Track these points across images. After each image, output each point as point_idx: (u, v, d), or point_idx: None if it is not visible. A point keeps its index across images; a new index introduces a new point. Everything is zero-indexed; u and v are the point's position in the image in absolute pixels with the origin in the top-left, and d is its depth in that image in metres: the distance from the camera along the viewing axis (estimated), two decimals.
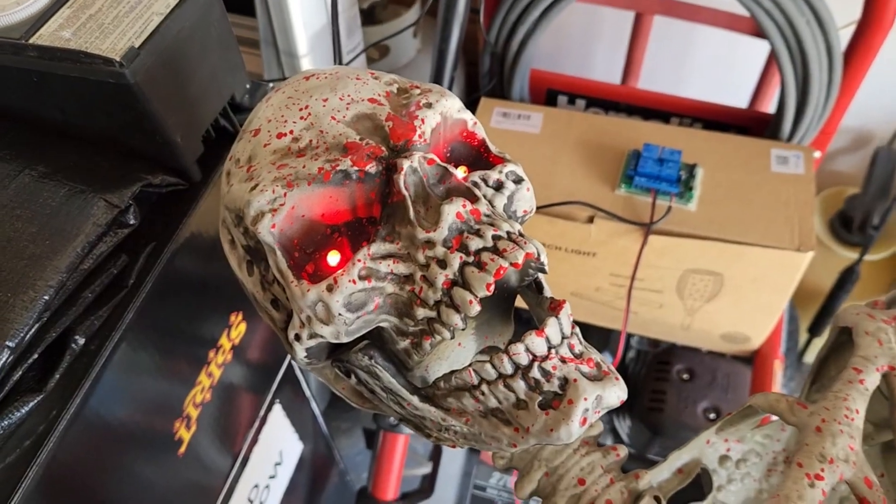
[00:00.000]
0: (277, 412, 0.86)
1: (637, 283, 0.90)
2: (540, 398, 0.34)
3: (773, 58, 0.91)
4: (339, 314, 0.35)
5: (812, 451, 0.36)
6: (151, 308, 0.55)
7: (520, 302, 0.43)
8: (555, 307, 0.37)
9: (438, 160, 0.37)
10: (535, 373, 0.35)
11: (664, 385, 1.03)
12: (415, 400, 0.38)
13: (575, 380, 0.34)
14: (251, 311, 0.71)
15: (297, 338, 0.37)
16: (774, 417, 0.43)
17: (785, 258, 0.83)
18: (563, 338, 0.36)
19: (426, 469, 1.25)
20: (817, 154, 0.91)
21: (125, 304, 0.53)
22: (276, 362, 0.83)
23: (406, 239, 0.36)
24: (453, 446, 0.41)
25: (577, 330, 0.37)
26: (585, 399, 0.34)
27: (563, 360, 0.35)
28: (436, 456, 1.01)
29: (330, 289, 0.35)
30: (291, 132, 0.38)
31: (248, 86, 0.63)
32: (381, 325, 0.37)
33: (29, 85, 0.53)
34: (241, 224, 0.37)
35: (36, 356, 0.48)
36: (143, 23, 0.52)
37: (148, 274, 0.55)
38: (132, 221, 0.54)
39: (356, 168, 0.35)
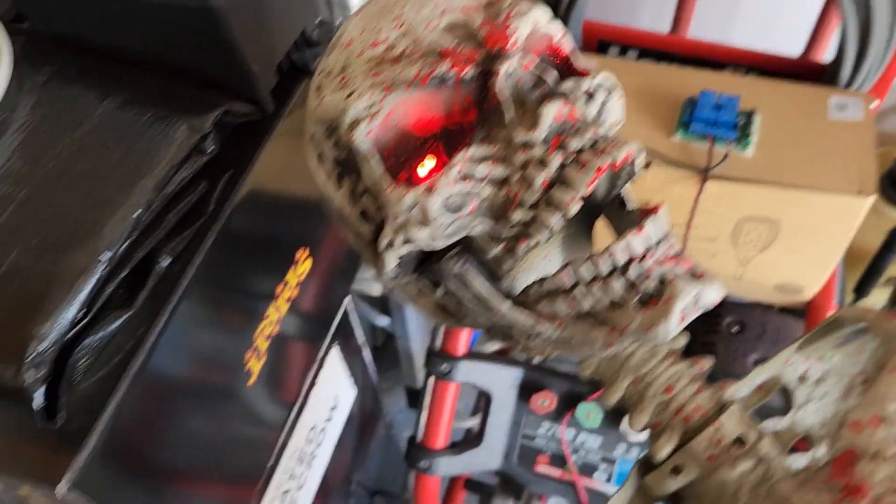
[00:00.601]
0: (335, 355, 0.87)
1: (691, 231, 0.90)
2: (637, 297, 0.35)
3: (831, 3, 0.90)
4: (437, 217, 0.35)
5: None
6: (229, 235, 0.56)
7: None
8: (651, 210, 0.37)
9: (534, 65, 0.38)
10: (633, 272, 0.35)
11: (714, 337, 1.02)
12: (505, 306, 0.38)
13: (673, 279, 0.35)
14: (316, 248, 0.72)
15: (390, 245, 0.37)
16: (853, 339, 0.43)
17: (844, 203, 0.82)
18: (662, 238, 0.36)
19: (469, 423, 1.26)
20: (875, 102, 0.90)
21: (205, 228, 0.54)
22: (334, 305, 0.85)
23: (503, 142, 0.36)
24: (542, 356, 0.41)
25: (674, 231, 0.37)
26: (684, 297, 0.34)
27: (661, 261, 0.35)
28: (485, 406, 1.01)
29: (428, 191, 0.35)
30: (386, 40, 0.38)
31: (318, 20, 0.63)
32: (474, 231, 0.37)
33: (110, 15, 0.54)
34: (332, 135, 0.38)
35: (125, 273, 0.49)
36: None
37: (226, 201, 0.56)
38: (212, 148, 0.55)
39: (453, 72, 0.36)
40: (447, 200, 0.36)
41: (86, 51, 0.57)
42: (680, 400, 0.40)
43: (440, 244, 0.37)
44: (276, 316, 0.67)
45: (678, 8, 1.15)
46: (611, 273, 0.35)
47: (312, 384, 0.83)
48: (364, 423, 1.09)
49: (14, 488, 0.50)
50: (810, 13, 1.08)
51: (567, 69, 0.42)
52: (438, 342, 1.01)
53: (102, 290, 0.47)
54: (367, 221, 0.39)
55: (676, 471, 0.39)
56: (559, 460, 1.01)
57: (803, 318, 1.02)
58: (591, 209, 0.42)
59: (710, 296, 0.35)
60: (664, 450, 0.39)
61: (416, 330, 1.41)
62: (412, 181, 0.37)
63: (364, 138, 0.36)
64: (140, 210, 0.48)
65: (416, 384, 1.54)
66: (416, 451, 1.01)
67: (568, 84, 0.40)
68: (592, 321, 0.36)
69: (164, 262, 0.51)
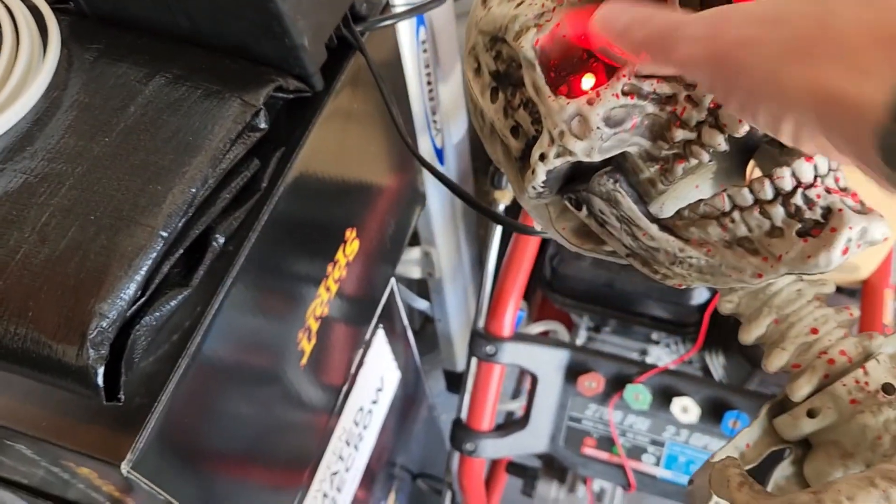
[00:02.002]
0: (381, 337, 0.86)
1: None
2: (799, 226, 0.34)
3: None
4: (598, 128, 0.35)
5: None
6: (281, 213, 0.55)
7: None
8: None
9: None
10: (798, 199, 0.34)
11: None
12: (654, 228, 0.38)
13: (840, 209, 0.33)
14: (363, 228, 0.71)
15: (543, 157, 0.37)
16: None
17: None
18: (830, 169, 0.35)
19: (512, 406, 1.26)
20: None
21: (259, 206, 0.54)
22: (380, 286, 0.84)
23: None
24: (680, 285, 0.40)
25: (842, 167, 0.36)
26: (850, 228, 0.32)
27: (828, 191, 0.34)
28: (531, 388, 1.00)
29: (591, 101, 0.35)
30: None
31: None
32: (630, 149, 0.37)
33: None
34: (494, 47, 0.38)
35: (182, 252, 0.49)
36: None
37: (279, 178, 0.55)
38: (263, 125, 0.54)
39: None
40: (610, 112, 0.35)
41: (132, 29, 0.57)
42: (825, 342, 0.39)
43: (596, 158, 0.37)
44: (326, 296, 0.66)
45: None
46: (774, 199, 0.34)
47: (360, 365, 0.82)
48: (407, 406, 1.08)
49: (75, 467, 0.50)
50: None
51: None
52: (482, 323, 1.00)
53: (160, 267, 0.47)
54: (519, 136, 0.39)
55: (812, 413, 0.37)
56: (607, 442, 1.00)
57: (855, 297, 0.99)
58: (749, 145, 0.41)
59: (878, 231, 0.34)
60: (803, 389, 0.38)
61: (455, 313, 1.40)
62: (573, 94, 0.36)
63: (531, 46, 0.36)
64: (196, 186, 0.48)
65: (456, 368, 1.54)
66: (462, 433, 1.01)
67: None
68: (746, 248, 0.35)
69: (220, 239, 0.51)
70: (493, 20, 0.38)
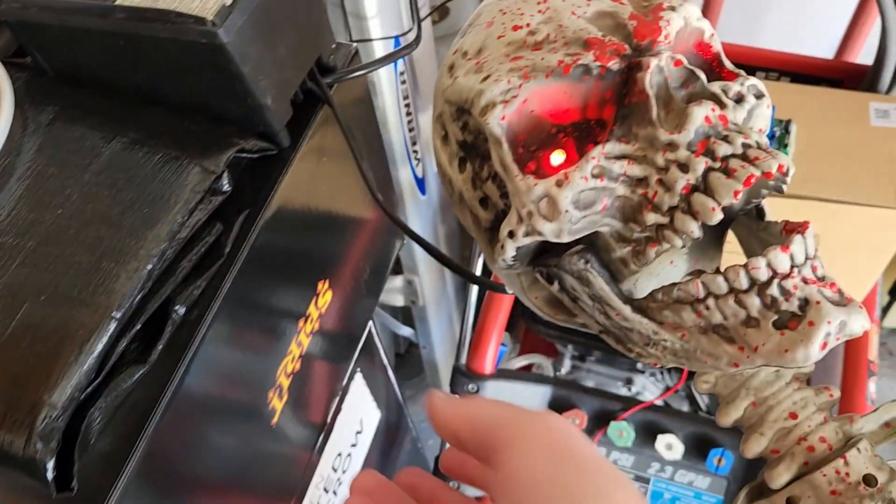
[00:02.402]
0: (359, 381, 0.85)
1: (727, 245, 0.86)
2: (775, 317, 0.33)
3: (867, 4, 0.86)
4: (566, 210, 0.34)
5: None
6: (247, 277, 0.54)
7: None
8: (797, 227, 0.35)
9: (686, 62, 0.36)
10: (774, 290, 0.33)
11: None
12: (626, 310, 0.37)
13: (818, 301, 0.32)
14: (337, 278, 0.70)
15: (512, 234, 0.36)
16: None
17: (887, 217, 0.78)
18: (807, 258, 0.34)
19: None
20: None
21: (222, 272, 0.52)
22: (357, 330, 0.82)
23: (644, 140, 0.35)
24: (656, 364, 0.40)
25: (820, 254, 0.35)
26: (829, 322, 0.32)
27: (805, 281, 0.33)
28: None
29: (559, 184, 0.34)
30: (528, 25, 0.37)
31: (333, 45, 0.61)
32: (601, 230, 0.36)
33: (116, 49, 0.52)
34: (461, 117, 0.37)
35: (139, 327, 0.47)
36: None
37: (243, 242, 0.53)
38: (226, 188, 0.52)
39: (598, 63, 0.34)
40: (579, 195, 0.34)
41: (92, 87, 0.55)
42: (804, 428, 0.38)
43: (566, 239, 0.36)
44: (297, 351, 0.65)
45: (703, 10, 1.11)
46: (749, 288, 0.33)
47: (338, 410, 0.81)
48: (390, 441, 1.06)
49: None
50: (841, 14, 1.04)
51: (714, 69, 0.40)
52: (463, 360, 0.98)
53: (115, 347, 0.45)
54: (488, 208, 0.39)
55: (791, 502, 0.37)
56: None
57: None
58: (725, 218, 0.41)
59: (857, 324, 0.33)
60: (782, 477, 0.37)
61: (440, 340, 1.39)
62: (541, 170, 0.36)
63: (497, 123, 0.35)
64: (153, 262, 0.46)
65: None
66: (463, 377, 0.98)
67: (717, 85, 0.38)
68: (721, 336, 0.34)
69: (180, 311, 0.49)
70: (458, 91, 0.37)
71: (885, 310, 1.47)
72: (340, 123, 0.59)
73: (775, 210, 0.85)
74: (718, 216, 0.33)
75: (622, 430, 0.94)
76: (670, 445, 0.93)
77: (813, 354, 0.32)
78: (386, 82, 1.01)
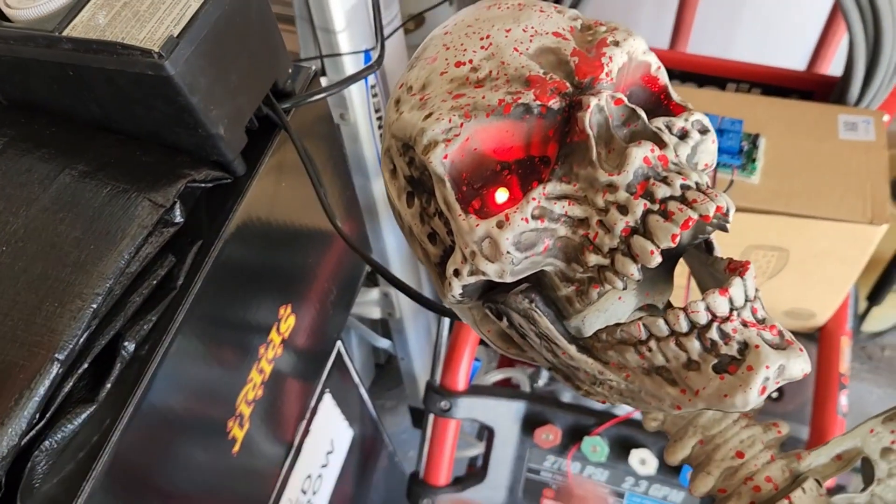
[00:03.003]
0: (328, 401, 0.84)
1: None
2: (715, 361, 0.32)
3: (838, 15, 0.85)
4: (508, 252, 0.34)
5: None
6: (201, 308, 0.53)
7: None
8: (738, 267, 0.34)
9: (626, 101, 0.35)
10: (714, 334, 0.32)
11: None
12: (572, 349, 0.37)
13: (757, 346, 0.32)
14: (300, 302, 0.69)
15: (457, 273, 0.36)
16: None
17: (856, 232, 0.78)
18: (747, 300, 0.34)
19: (475, 451, 1.23)
20: (886, 118, 0.86)
21: (175, 305, 0.51)
22: (325, 351, 0.81)
23: (585, 181, 0.34)
24: (604, 402, 0.39)
25: (760, 295, 0.35)
26: (767, 367, 0.31)
27: (745, 324, 0.33)
28: (488, 440, 0.98)
29: (500, 225, 0.34)
30: (471, 61, 0.37)
31: (290, 70, 0.60)
32: (545, 268, 0.36)
33: (64, 79, 0.51)
34: (407, 153, 0.37)
35: (86, 365, 0.46)
36: (180, 9, 0.49)
37: (196, 273, 0.52)
38: (178, 220, 0.52)
39: (539, 102, 0.34)
40: (520, 237, 0.34)
41: (45, 116, 0.54)
42: (751, 467, 0.38)
43: (509, 279, 0.35)
44: (259, 378, 0.64)
45: (676, 22, 1.10)
46: (689, 331, 0.33)
47: (306, 433, 0.80)
48: (366, 456, 1.06)
49: None
50: (813, 26, 1.04)
51: (661, 102, 0.39)
52: (437, 377, 0.98)
53: (60, 388, 0.44)
54: (436, 243, 0.38)
55: None
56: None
57: (814, 340, 0.98)
58: (674, 252, 0.40)
59: (796, 368, 0.32)
60: None
61: (418, 351, 1.38)
62: (486, 208, 0.35)
63: (440, 161, 0.34)
64: (98, 300, 0.45)
65: (420, 404, 1.51)
66: (419, 489, 0.98)
67: (661, 121, 0.37)
68: (664, 378, 0.34)
69: (129, 347, 0.48)
70: (403, 128, 0.37)
71: (863, 316, 1.48)
72: (298, 149, 0.58)
73: (745, 226, 0.85)
74: (657, 259, 0.32)
75: (596, 446, 0.94)
76: (644, 460, 0.93)
77: (752, 400, 0.32)
78: (357, 96, 1.00)
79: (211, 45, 0.50)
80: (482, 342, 1.09)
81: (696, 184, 0.34)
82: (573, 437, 0.96)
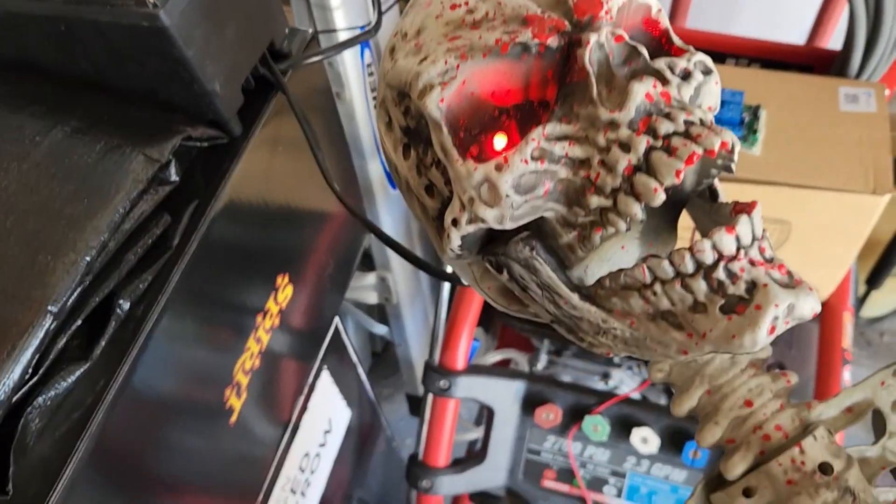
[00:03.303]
0: (325, 379, 0.83)
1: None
2: (722, 301, 0.31)
3: None
4: (507, 195, 0.33)
5: None
6: (197, 270, 0.52)
7: None
8: (745, 207, 0.33)
9: (627, 38, 0.34)
10: (720, 273, 0.31)
11: None
12: (574, 298, 0.35)
13: (765, 284, 0.31)
14: (297, 272, 0.68)
15: (455, 223, 0.35)
16: None
17: (859, 202, 0.77)
18: (754, 239, 0.32)
19: (474, 435, 1.22)
20: (888, 91, 0.85)
21: (170, 266, 0.50)
22: (323, 326, 0.80)
23: (585, 120, 0.33)
24: (608, 354, 0.38)
25: (769, 234, 0.33)
26: (777, 305, 0.30)
27: (753, 263, 0.32)
28: (488, 421, 0.97)
29: (499, 168, 0.33)
30: (467, 3, 0.35)
31: (287, 31, 0.59)
32: (546, 214, 0.35)
33: (56, 34, 0.50)
34: (403, 102, 0.36)
35: (80, 322, 0.45)
36: None
37: (192, 234, 0.51)
38: (173, 178, 0.51)
39: (537, 41, 0.33)
40: (519, 179, 0.33)
41: (37, 73, 0.53)
42: (760, 416, 0.37)
43: (509, 226, 0.34)
44: (256, 348, 0.63)
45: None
46: (695, 272, 0.32)
47: (304, 409, 0.79)
48: (363, 439, 1.05)
49: None
50: (813, 1, 1.03)
51: (663, 46, 0.38)
52: (436, 356, 0.97)
53: (53, 343, 0.43)
54: (434, 195, 0.37)
55: (748, 492, 0.35)
56: (567, 475, 0.97)
57: (815, 319, 0.97)
58: (678, 199, 0.39)
59: (806, 307, 0.31)
60: (738, 468, 0.36)
61: (416, 337, 1.37)
62: (484, 154, 0.34)
63: (436, 105, 0.33)
64: (92, 254, 0.44)
65: (418, 391, 1.50)
66: (418, 471, 0.97)
67: (662, 62, 0.36)
68: (670, 322, 0.33)
69: (124, 305, 0.47)
70: (398, 74, 0.36)
71: (863, 299, 1.47)
72: (295, 110, 0.57)
73: (747, 197, 0.84)
74: (661, 197, 0.31)
75: (597, 425, 0.93)
76: (646, 439, 0.92)
77: (761, 339, 0.31)
78: (353, 75, 0.99)
79: None
80: (480, 323, 1.08)
81: (700, 119, 0.33)
82: (574, 416, 0.95)
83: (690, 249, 0.32)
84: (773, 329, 0.31)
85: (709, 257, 0.32)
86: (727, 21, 1.35)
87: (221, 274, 0.56)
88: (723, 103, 0.81)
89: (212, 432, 0.59)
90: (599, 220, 0.33)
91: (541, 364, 1.18)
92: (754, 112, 0.81)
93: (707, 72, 0.38)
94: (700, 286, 0.32)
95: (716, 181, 0.37)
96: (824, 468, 0.34)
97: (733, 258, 0.32)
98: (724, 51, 0.96)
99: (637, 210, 0.32)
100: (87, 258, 0.44)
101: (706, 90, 0.38)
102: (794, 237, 0.84)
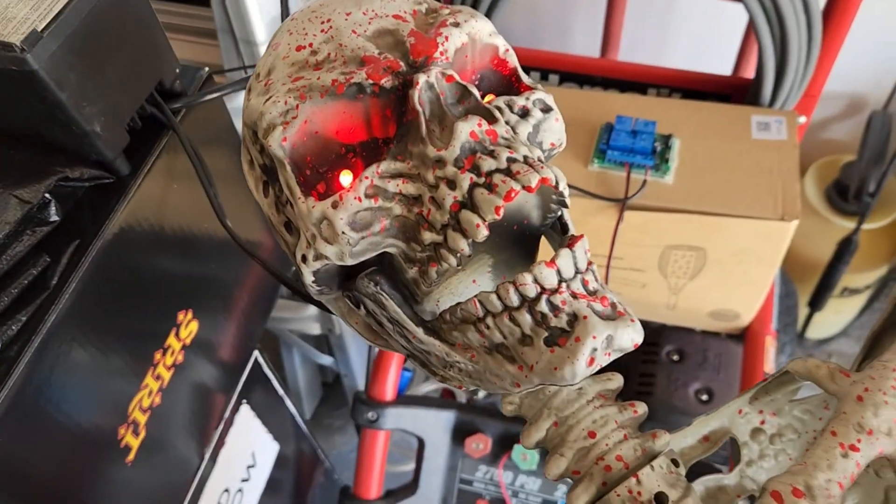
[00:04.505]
0: (245, 413, 0.82)
1: (618, 262, 0.86)
2: (546, 334, 0.32)
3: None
4: (343, 232, 0.33)
5: (849, 420, 0.32)
6: (81, 309, 0.52)
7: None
8: (571, 240, 0.34)
9: (458, 78, 0.35)
10: (543, 306, 0.32)
11: (653, 367, 0.98)
12: (419, 332, 0.36)
13: (585, 316, 0.32)
14: (202, 308, 0.68)
15: (304, 259, 0.35)
16: (817, 390, 0.39)
17: (769, 229, 0.79)
18: (577, 272, 0.33)
19: (408, 467, 1.22)
20: (802, 119, 0.87)
21: (47, 305, 0.50)
22: (240, 361, 0.80)
23: (417, 158, 0.34)
24: (460, 387, 0.39)
25: (594, 267, 0.34)
26: (594, 337, 0.31)
27: (575, 296, 0.33)
28: (419, 452, 0.97)
29: (335, 205, 0.33)
30: (311, 45, 0.36)
31: (178, 70, 0.59)
32: (389, 250, 0.35)
33: None
34: (257, 141, 0.36)
35: None
36: (48, 5, 0.49)
37: (72, 274, 0.51)
38: (52, 219, 0.51)
39: (371, 81, 0.34)
40: (354, 216, 0.33)
41: None
42: (602, 447, 0.37)
43: (349, 262, 0.35)
44: (156, 385, 0.63)
45: (606, 31, 1.12)
46: (520, 305, 0.33)
47: (221, 444, 0.78)
48: (300, 472, 1.04)
49: None
50: (738, 32, 1.06)
51: (513, 84, 0.39)
52: (365, 388, 0.96)
53: None
54: (292, 232, 0.37)
55: None
56: None
57: (742, 342, 0.98)
58: (529, 233, 0.40)
59: (626, 338, 0.32)
60: (580, 499, 0.36)
61: (361, 368, 1.37)
62: (330, 192, 0.34)
63: (279, 145, 0.34)
64: None
65: None
66: (349, 503, 0.97)
67: (501, 100, 0.37)
68: (504, 355, 0.34)
69: None
70: (250, 114, 0.37)
71: (807, 322, 1.48)
72: (185, 147, 0.57)
73: (661, 226, 0.85)
74: (483, 233, 0.32)
75: (525, 454, 0.93)
76: None
77: (580, 371, 0.31)
78: None
79: (80, 40, 0.49)
80: None
81: (525, 157, 0.33)
82: (503, 445, 0.95)
83: (514, 282, 0.33)
84: (591, 360, 0.32)
85: (531, 290, 0.32)
86: (659, 54, 1.37)
87: (111, 312, 0.56)
88: (635, 133, 0.82)
89: (107, 470, 0.59)
90: (434, 256, 0.34)
91: (481, 393, 1.18)
92: (666, 141, 0.82)
93: (546, 109, 0.39)
94: (525, 319, 0.33)
95: (565, 214, 0.38)
96: (660, 498, 0.35)
97: (555, 291, 0.32)
98: (646, 81, 0.98)
99: (464, 245, 0.32)
100: None
101: (546, 127, 0.39)
102: (710, 264, 0.85)
